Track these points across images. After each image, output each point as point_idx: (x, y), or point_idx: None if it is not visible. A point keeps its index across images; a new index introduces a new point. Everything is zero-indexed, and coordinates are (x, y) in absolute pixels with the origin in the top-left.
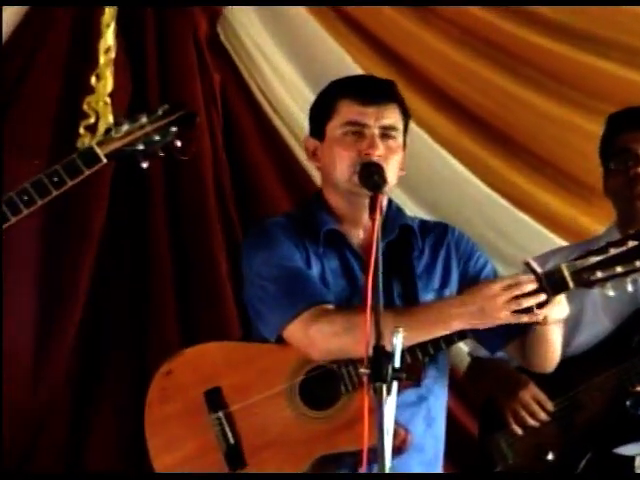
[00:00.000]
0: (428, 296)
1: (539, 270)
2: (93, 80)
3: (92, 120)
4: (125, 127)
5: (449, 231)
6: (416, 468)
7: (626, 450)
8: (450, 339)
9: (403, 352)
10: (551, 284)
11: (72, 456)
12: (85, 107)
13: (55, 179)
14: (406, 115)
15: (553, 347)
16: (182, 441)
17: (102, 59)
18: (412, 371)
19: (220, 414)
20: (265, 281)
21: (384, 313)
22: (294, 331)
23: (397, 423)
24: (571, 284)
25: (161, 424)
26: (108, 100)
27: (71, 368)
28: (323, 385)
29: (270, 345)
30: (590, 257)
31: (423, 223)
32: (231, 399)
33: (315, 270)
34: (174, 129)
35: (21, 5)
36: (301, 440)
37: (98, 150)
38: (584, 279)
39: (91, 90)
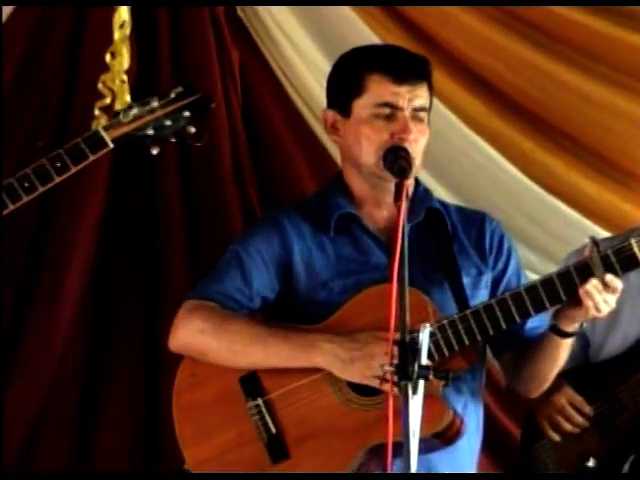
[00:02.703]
0: (465, 280)
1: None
2: (108, 58)
3: (108, 100)
4: (134, 111)
5: (487, 220)
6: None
7: None
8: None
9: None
10: (620, 261)
11: (77, 453)
12: (100, 87)
13: (58, 164)
14: (432, 90)
15: (556, 365)
16: (217, 430)
17: (117, 35)
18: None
19: (259, 401)
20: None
21: (257, 325)
22: (180, 309)
23: (454, 412)
24: None
25: (192, 412)
26: (125, 78)
27: (72, 355)
28: None
29: (316, 327)
30: None
31: (459, 209)
32: (269, 385)
33: (319, 258)
34: (187, 114)
35: (21, 5)
36: (350, 428)
37: (104, 134)
38: None
39: (106, 68)
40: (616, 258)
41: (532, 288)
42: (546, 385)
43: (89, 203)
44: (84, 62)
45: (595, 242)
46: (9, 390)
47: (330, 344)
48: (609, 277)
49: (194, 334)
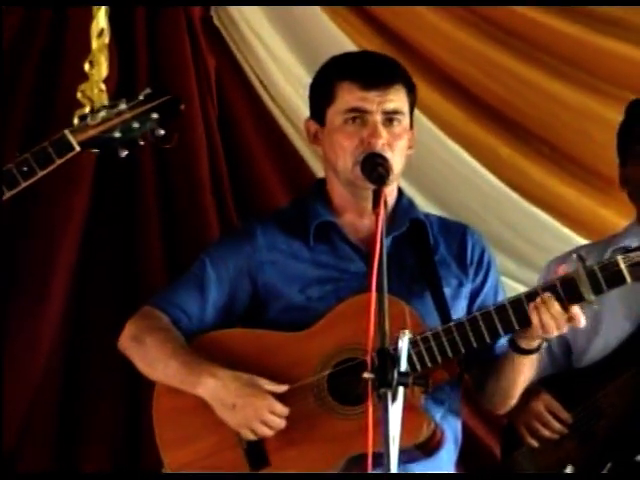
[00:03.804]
0: (446, 290)
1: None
2: (87, 67)
3: (87, 109)
4: (102, 113)
5: (468, 233)
6: None
7: None
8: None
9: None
10: (606, 278)
11: (61, 453)
12: (79, 95)
13: (25, 169)
14: (412, 92)
15: (520, 381)
16: (196, 436)
17: (95, 44)
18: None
19: None
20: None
21: (168, 343)
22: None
23: (435, 422)
24: (628, 278)
25: (172, 417)
26: (103, 87)
27: (55, 358)
28: (354, 379)
29: (298, 334)
30: None
31: (441, 220)
32: None
33: (294, 266)
34: (155, 116)
35: (21, 5)
36: (331, 437)
37: (71, 138)
38: None
39: (84, 77)
40: (602, 274)
41: (517, 301)
42: (512, 402)
43: (75, 209)
44: (64, 68)
45: (581, 258)
46: None
47: (215, 381)
48: (575, 309)
49: (126, 339)
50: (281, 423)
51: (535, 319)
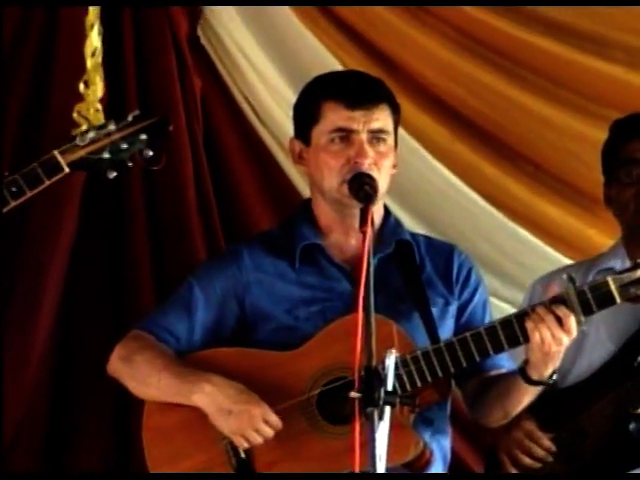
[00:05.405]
0: (433, 310)
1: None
2: (82, 87)
3: (84, 128)
4: (91, 134)
5: (455, 253)
6: None
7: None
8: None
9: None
10: (596, 299)
11: (52, 456)
12: (75, 116)
13: (13, 189)
14: (396, 112)
15: (521, 405)
16: (186, 454)
17: (89, 63)
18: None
19: None
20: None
21: (159, 359)
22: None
23: (424, 442)
24: (618, 298)
25: (162, 434)
26: (99, 106)
27: (46, 367)
28: (343, 398)
29: (287, 353)
30: (637, 270)
31: (428, 240)
32: None
33: (280, 287)
34: (144, 137)
35: (21, 5)
36: (319, 457)
37: (60, 159)
38: (631, 293)
39: (80, 98)
40: (592, 295)
41: (507, 322)
42: (507, 420)
43: (63, 227)
44: (54, 84)
45: (571, 278)
46: None
47: (212, 387)
48: (570, 322)
49: (116, 361)
50: (271, 432)
51: (536, 336)
